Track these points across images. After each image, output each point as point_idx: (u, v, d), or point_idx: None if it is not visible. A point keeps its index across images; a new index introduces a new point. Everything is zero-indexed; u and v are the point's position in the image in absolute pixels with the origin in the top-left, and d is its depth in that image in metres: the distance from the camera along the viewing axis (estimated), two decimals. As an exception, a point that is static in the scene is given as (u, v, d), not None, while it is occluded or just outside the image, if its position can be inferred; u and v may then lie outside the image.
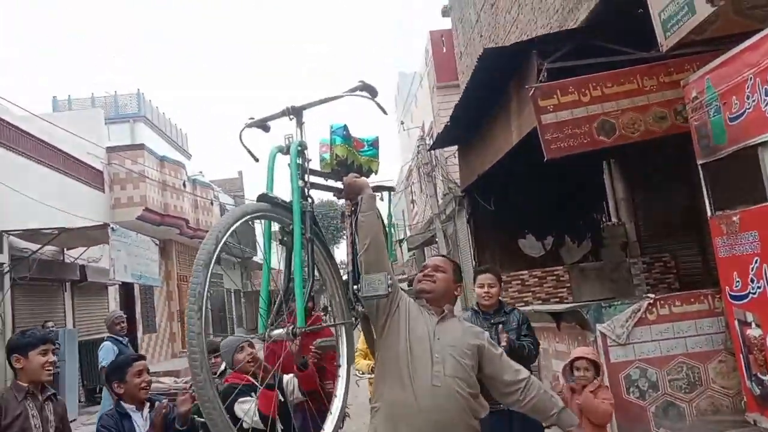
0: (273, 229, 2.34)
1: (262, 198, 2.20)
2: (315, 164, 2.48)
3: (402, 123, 25.62)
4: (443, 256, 2.78)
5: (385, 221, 2.73)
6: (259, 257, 29.84)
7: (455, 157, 11.87)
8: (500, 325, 4.07)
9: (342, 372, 2.39)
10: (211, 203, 20.62)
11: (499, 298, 4.24)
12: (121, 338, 7.42)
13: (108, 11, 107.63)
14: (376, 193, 2.56)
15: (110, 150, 15.38)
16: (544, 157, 5.33)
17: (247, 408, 3.18)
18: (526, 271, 7.61)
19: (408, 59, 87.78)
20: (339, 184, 2.60)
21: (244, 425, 3.11)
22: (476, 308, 4.25)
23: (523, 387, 2.56)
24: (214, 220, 20.53)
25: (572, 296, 7.20)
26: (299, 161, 2.26)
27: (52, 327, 10.48)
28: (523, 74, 5.96)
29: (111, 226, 10.87)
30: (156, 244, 13.93)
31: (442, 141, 9.95)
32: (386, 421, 2.42)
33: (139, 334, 15.88)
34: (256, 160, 2.32)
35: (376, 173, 2.86)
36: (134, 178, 15.18)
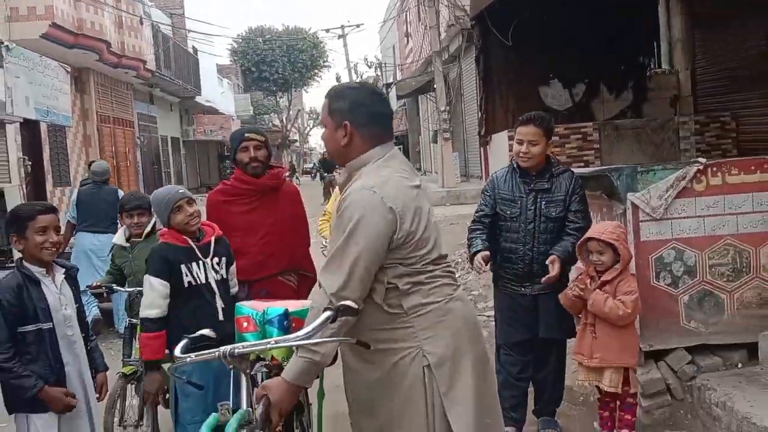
0: None
1: None
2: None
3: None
4: None
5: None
6: (202, 98, 29.46)
7: (466, -28, 11.40)
8: (541, 195, 4.13)
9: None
10: (141, 22, 19.91)
11: (549, 155, 4.24)
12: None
13: None
14: None
15: (2, -60, 14.49)
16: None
17: None
18: (544, 128, 7.56)
19: None
20: None
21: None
22: (515, 165, 4.25)
23: None
24: (144, 43, 19.95)
25: (601, 160, 7.25)
26: None
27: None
28: None
29: (5, 44, 10.50)
30: (67, 72, 13.58)
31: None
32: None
33: (48, 186, 15.92)
34: None
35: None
36: (36, -19, 14.47)
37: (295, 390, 2.46)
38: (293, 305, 3.02)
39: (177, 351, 2.53)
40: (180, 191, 3.76)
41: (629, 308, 3.93)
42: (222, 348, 2.44)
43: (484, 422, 2.55)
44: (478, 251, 4.01)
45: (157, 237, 4.18)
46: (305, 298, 4.08)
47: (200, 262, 3.65)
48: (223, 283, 3.73)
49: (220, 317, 3.62)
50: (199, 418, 3.52)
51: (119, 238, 4.94)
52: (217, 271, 3.70)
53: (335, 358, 2.51)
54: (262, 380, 2.71)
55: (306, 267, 4.47)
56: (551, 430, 4.36)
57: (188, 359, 2.49)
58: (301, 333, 2.35)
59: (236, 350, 2.45)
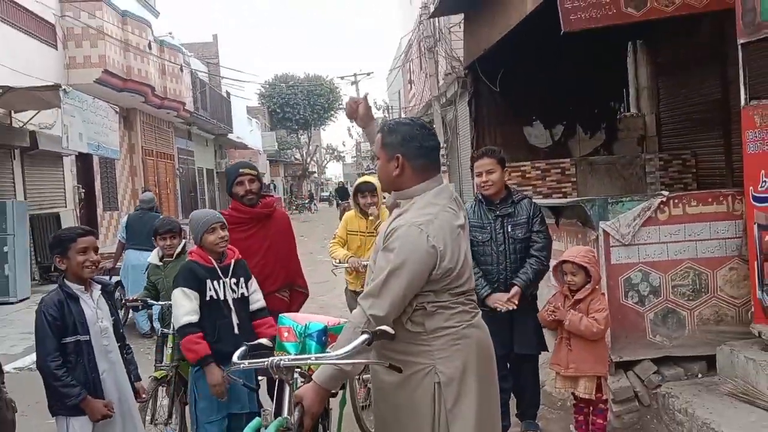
0: None
1: None
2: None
3: (403, -12, 24.45)
4: None
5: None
6: (234, 135, 29.57)
7: (461, 28, 11.43)
8: (506, 219, 4.03)
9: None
10: (181, 70, 20.03)
11: (506, 184, 4.14)
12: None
13: None
14: None
15: (64, 0, 14.66)
16: (560, 30, 5.10)
17: None
18: (527, 163, 7.51)
19: None
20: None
21: None
22: (480, 197, 4.15)
23: None
24: (184, 88, 20.07)
25: (577, 192, 7.18)
26: None
27: None
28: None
29: (63, 87, 10.54)
30: (116, 112, 13.65)
31: (446, 6, 9.49)
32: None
33: (99, 210, 15.95)
34: None
35: None
36: (91, 34, 14.60)
37: (325, 394, 2.43)
38: (331, 322, 2.98)
39: (235, 357, 2.51)
40: (217, 215, 3.73)
41: (602, 324, 3.87)
42: (270, 359, 2.45)
43: None
44: (490, 293, 3.95)
45: (187, 257, 4.14)
46: (297, 311, 4.03)
47: (220, 281, 3.60)
48: (240, 301, 3.65)
49: (236, 331, 3.55)
50: (214, 418, 3.48)
51: (153, 257, 4.91)
52: (234, 291, 3.63)
53: (364, 369, 2.46)
54: (293, 388, 2.63)
55: (298, 282, 4.40)
56: (532, 432, 4.26)
57: (242, 366, 2.48)
58: (340, 352, 2.30)
59: (282, 362, 2.44)
